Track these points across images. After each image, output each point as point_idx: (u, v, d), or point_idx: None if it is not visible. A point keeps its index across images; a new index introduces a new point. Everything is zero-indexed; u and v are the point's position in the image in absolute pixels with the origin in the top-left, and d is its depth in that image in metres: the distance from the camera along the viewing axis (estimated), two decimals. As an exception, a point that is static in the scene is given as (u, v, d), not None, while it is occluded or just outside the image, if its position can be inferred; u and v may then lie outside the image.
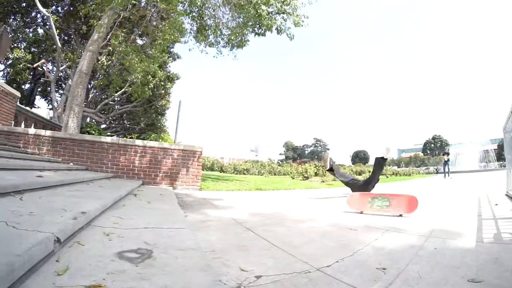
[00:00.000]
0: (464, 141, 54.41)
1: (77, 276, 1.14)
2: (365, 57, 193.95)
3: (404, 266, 1.73)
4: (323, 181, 10.88)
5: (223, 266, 1.61)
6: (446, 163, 18.24)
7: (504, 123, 5.55)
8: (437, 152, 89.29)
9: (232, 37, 8.84)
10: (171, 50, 24.63)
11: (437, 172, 39.23)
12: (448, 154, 18.63)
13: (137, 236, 1.82)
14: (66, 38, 18.39)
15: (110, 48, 11.86)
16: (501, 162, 55.09)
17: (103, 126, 27.98)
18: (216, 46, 9.80)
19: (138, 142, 6.00)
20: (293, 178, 11.42)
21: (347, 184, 5.72)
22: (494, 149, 64.21)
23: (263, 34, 8.33)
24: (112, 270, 1.24)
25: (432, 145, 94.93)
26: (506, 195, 5.19)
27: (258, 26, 8.11)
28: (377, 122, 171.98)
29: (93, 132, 8.84)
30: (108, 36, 10.40)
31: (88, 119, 23.91)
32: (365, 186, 5.26)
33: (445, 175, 17.98)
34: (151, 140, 9.17)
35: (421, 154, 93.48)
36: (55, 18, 14.28)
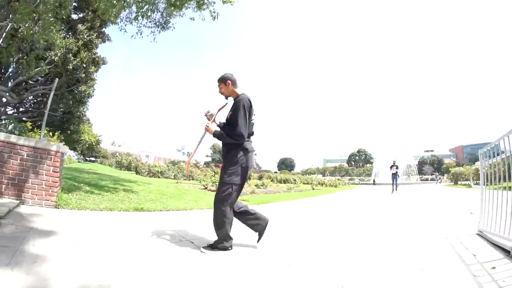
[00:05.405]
0: (388, 156, 58.50)
1: None
2: (298, 69, 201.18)
3: None
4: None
5: None
6: (394, 176, 16.44)
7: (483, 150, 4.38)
8: (361, 164, 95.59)
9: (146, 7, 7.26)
10: (103, 30, 22.01)
11: (374, 183, 40.90)
12: (397, 166, 16.73)
13: None
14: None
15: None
16: (421, 176, 61.21)
17: (21, 109, 24.11)
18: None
19: (-21, 132, 4.26)
20: (206, 188, 10.04)
21: None
22: (416, 165, 71.00)
23: (179, 7, 6.93)
24: None
25: (357, 157, 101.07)
26: (479, 235, 4.01)
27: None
28: (304, 131, 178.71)
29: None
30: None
31: (4, 100, 20.21)
32: None
33: (393, 190, 16.14)
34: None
35: (345, 165, 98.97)
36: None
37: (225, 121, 3.26)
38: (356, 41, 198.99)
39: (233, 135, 2.99)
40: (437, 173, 57.53)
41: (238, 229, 3.30)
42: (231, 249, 3.00)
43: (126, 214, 4.54)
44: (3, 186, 4.13)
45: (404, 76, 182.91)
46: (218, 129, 3.18)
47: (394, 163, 16.70)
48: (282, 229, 4.48)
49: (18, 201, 4.06)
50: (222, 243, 2.97)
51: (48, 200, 4.21)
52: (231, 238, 3.01)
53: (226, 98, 3.25)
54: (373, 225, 5.17)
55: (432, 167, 78.83)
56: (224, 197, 2.95)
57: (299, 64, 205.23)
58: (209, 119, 3.25)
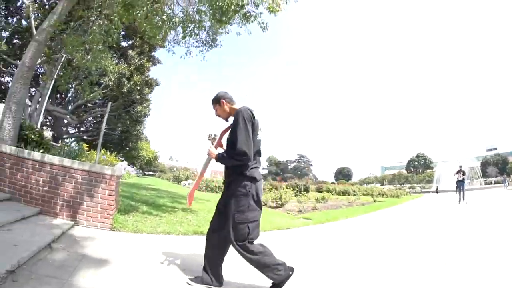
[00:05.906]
0: (449, 159, 53.73)
1: None
2: (350, 75, 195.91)
3: None
4: (300, 210, 8.62)
5: None
6: (461, 183, 14.32)
7: None
8: (421, 170, 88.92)
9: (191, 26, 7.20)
10: (152, 54, 23.11)
11: (437, 191, 37.37)
12: (464, 172, 14.68)
13: None
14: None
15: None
16: (485, 179, 54.90)
17: (81, 129, 26.17)
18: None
19: (36, 155, 4.26)
20: (265, 204, 9.46)
21: None
22: (479, 166, 63.85)
23: (227, 22, 6.73)
24: None
25: (416, 163, 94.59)
26: None
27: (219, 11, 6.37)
28: (361, 139, 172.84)
29: (33, 136, 6.98)
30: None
31: (65, 121, 22.00)
32: None
33: (460, 199, 14.02)
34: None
35: (404, 171, 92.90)
36: (36, 7, 12.37)
37: (227, 142, 2.63)
38: (412, 42, 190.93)
39: (234, 155, 2.38)
40: (505, 175, 51.04)
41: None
42: (292, 273, 2.46)
43: (184, 239, 4.22)
44: (58, 207, 4.14)
45: (458, 71, 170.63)
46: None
47: (460, 169, 14.67)
48: (353, 256, 3.95)
49: (72, 223, 4.02)
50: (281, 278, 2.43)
51: (103, 223, 4.09)
52: (281, 264, 2.43)
53: (226, 120, 2.76)
54: (453, 250, 4.22)
55: (496, 168, 70.66)
56: (243, 239, 2.35)
57: (353, 69, 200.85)
58: (213, 143, 2.76)
